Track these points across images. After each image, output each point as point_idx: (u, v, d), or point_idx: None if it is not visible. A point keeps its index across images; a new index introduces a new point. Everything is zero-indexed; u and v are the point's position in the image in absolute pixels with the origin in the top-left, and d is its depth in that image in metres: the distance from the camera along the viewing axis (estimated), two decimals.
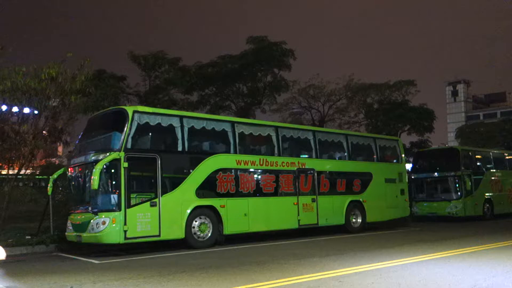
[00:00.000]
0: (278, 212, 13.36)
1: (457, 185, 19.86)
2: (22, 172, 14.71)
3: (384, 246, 11.21)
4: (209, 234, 11.77)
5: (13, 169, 14.65)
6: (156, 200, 10.92)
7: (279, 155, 13.83)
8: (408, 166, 22.19)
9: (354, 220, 15.46)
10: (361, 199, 15.64)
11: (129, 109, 11.23)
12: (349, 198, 15.32)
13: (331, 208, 14.73)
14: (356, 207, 15.51)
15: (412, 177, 20.98)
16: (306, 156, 14.88)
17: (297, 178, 13.97)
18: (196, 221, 11.59)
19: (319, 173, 14.63)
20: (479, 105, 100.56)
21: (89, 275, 7.81)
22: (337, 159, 16.08)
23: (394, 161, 17.77)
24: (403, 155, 18.18)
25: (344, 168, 15.62)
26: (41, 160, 16.63)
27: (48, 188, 12.28)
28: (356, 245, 11.55)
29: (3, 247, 11.30)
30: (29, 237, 12.17)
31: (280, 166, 13.66)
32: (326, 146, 15.53)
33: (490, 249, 10.01)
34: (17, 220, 13.63)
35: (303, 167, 14.25)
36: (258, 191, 13.05)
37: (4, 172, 15.05)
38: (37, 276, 7.94)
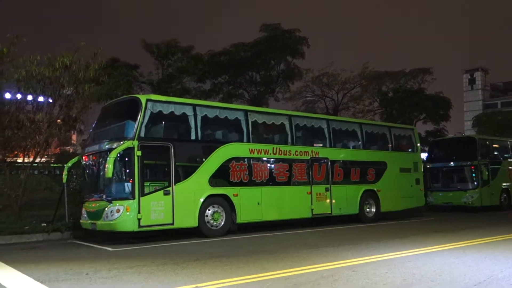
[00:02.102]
0: (291, 201, 13.39)
1: (473, 175, 19.67)
2: (37, 160, 14.96)
3: (398, 236, 11.19)
4: (222, 223, 11.86)
5: (29, 157, 14.89)
6: (170, 188, 11.01)
7: (292, 144, 13.83)
8: (424, 156, 22.04)
9: (368, 209, 15.44)
10: (375, 189, 15.60)
11: (142, 98, 11.29)
12: (363, 188, 15.28)
13: (345, 198, 14.72)
14: (370, 196, 15.47)
15: (428, 166, 20.83)
16: (320, 145, 14.85)
17: (311, 167, 13.97)
18: (209, 210, 11.68)
19: (333, 162, 14.60)
20: (497, 93, 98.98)
21: (104, 262, 7.94)
22: (351, 148, 16.02)
23: (409, 150, 17.65)
24: (418, 144, 18.03)
25: (358, 157, 15.56)
26: (55, 148, 16.87)
27: (63, 176, 12.47)
28: (370, 235, 11.54)
29: (19, 233, 11.61)
30: (45, 224, 12.39)
31: (293, 155, 13.66)
32: (340, 135, 15.48)
33: (507, 239, 9.93)
34: (32, 208, 13.88)
35: (317, 156, 14.23)
36: (271, 180, 13.08)
37: (19, 160, 15.32)
38: (52, 263, 8.09)
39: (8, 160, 14.83)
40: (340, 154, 15.13)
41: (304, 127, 14.52)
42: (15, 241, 11.60)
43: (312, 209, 13.77)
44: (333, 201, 14.30)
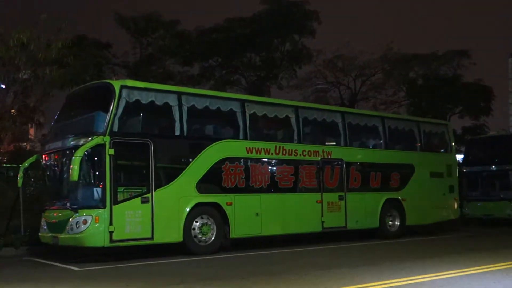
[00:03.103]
0: (298, 212, 13.40)
1: None
2: None
3: (427, 255, 11.19)
4: (213, 238, 11.86)
5: None
6: (149, 195, 11.00)
7: (299, 142, 13.82)
8: (459, 157, 22.04)
9: (390, 222, 15.46)
10: (399, 197, 15.61)
11: (116, 84, 11.27)
12: (385, 196, 15.29)
13: (363, 208, 14.73)
14: (393, 206, 15.48)
15: (464, 170, 20.84)
16: (333, 143, 14.86)
17: (321, 170, 13.97)
18: (196, 222, 11.68)
19: (349, 164, 14.60)
20: None
21: (68, 285, 7.94)
22: (371, 147, 16.04)
23: (442, 150, 17.67)
24: (453, 144, 18.06)
25: (379, 159, 15.57)
26: (9, 145, 16.80)
27: (18, 179, 12.43)
28: (394, 253, 11.53)
29: None
30: None
31: (300, 155, 13.66)
32: (357, 132, 15.49)
33: None
34: None
35: (329, 157, 14.23)
36: (273, 186, 13.08)
37: None
38: (4, 285, 8.07)
39: None
40: (358, 155, 15.13)
41: (314, 121, 14.52)
42: None
43: (322, 222, 13.77)
44: (348, 212, 14.30)
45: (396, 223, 15.54)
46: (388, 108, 32.14)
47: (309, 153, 13.85)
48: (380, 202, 15.16)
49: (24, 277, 9.11)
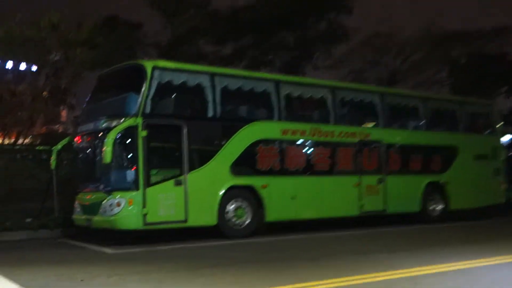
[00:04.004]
0: (334, 196, 13.39)
1: None
2: (20, 141, 15.31)
3: (471, 240, 11.07)
4: (247, 221, 11.96)
5: (9, 138, 15.27)
6: (182, 177, 11.14)
7: (336, 123, 13.76)
8: (506, 139, 21.58)
9: (432, 207, 15.29)
10: (442, 181, 15.42)
11: (148, 65, 11.38)
12: (427, 179, 15.13)
13: (403, 192, 14.61)
14: (435, 190, 15.31)
15: (511, 153, 20.41)
16: (372, 125, 14.74)
17: (359, 152, 13.90)
18: (231, 205, 11.78)
19: (388, 146, 14.48)
20: None
21: (102, 267, 8.13)
22: (411, 129, 15.83)
23: (487, 132, 17.33)
24: (499, 125, 17.68)
25: (420, 141, 15.38)
26: (41, 127, 17.23)
27: (51, 161, 12.73)
28: (435, 239, 11.44)
29: (1, 230, 11.97)
30: (30, 220, 12.77)
31: (337, 137, 13.60)
32: (397, 112, 15.35)
33: None
34: (14, 200, 14.24)
35: (367, 139, 14.14)
36: (309, 169, 13.08)
37: None
38: (40, 266, 8.34)
39: None
40: (397, 137, 14.97)
41: (351, 102, 14.42)
42: None
43: (360, 206, 13.73)
44: (388, 195, 14.22)
45: (438, 207, 15.38)
46: (430, 88, 31.58)
47: (347, 134, 13.78)
48: (422, 185, 15.01)
49: (59, 259, 9.37)
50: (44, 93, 14.68)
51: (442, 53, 31.11)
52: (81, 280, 6.95)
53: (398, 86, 30.12)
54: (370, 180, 13.98)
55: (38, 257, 9.72)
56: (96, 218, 11.09)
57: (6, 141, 15.37)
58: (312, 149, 13.30)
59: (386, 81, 30.48)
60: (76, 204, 12.03)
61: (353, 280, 6.70)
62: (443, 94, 25.06)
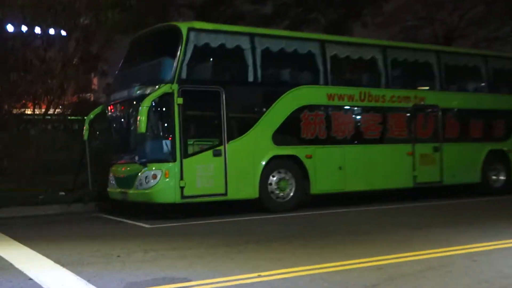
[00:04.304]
0: (385, 166, 13.28)
1: None
2: (51, 111, 15.64)
3: None
4: (291, 194, 11.99)
5: (40, 108, 15.61)
6: (221, 148, 11.20)
7: (387, 86, 13.56)
8: None
9: (494, 177, 15.04)
10: (505, 148, 15.11)
11: (183, 26, 11.36)
12: (488, 147, 14.85)
13: (462, 161, 14.38)
14: (497, 159, 15.02)
15: None
16: (427, 87, 14.49)
17: (413, 118, 13.71)
18: (273, 176, 11.81)
19: (445, 111, 14.23)
20: None
21: (139, 242, 8.29)
22: (471, 91, 15.47)
23: None
24: None
25: (481, 105, 15.04)
26: (72, 96, 17.51)
27: (84, 131, 12.98)
28: (498, 212, 11.26)
29: (32, 204, 12.34)
30: (63, 193, 13.13)
31: (388, 101, 13.42)
32: (455, 74, 15.05)
33: None
34: (47, 172, 14.63)
35: (422, 103, 13.92)
36: (357, 137, 12.99)
37: (29, 112, 16.08)
38: (75, 242, 8.56)
39: (15, 111, 15.62)
40: (455, 100, 14.70)
41: (404, 62, 14.16)
42: (27, 213, 12.40)
43: (414, 176, 13.59)
44: (445, 165, 14.02)
45: (501, 177, 15.09)
46: (491, 45, 30.72)
47: (399, 99, 13.57)
48: (482, 154, 14.72)
49: (93, 234, 9.60)
50: (75, 59, 14.87)
51: (505, 5, 30.10)
52: (118, 256, 7.09)
53: (455, 44, 29.42)
54: (425, 148, 13.79)
55: (72, 232, 9.99)
56: (132, 191, 11.28)
57: (37, 111, 15.70)
58: (361, 115, 13.20)
59: (442, 39, 29.81)
60: (111, 176, 12.26)
61: (405, 257, 6.64)
62: (507, 52, 24.30)
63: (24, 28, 14.38)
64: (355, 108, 13.14)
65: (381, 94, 13.36)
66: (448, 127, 14.26)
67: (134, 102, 11.40)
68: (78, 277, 5.81)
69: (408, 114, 13.68)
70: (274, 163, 11.81)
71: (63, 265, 6.57)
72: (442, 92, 14.46)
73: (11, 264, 6.69)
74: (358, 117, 13.18)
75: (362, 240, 8.05)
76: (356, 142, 12.97)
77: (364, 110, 13.19)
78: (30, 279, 5.80)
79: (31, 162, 14.07)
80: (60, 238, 9.05)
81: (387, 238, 8.17)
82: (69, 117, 17.92)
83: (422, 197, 14.03)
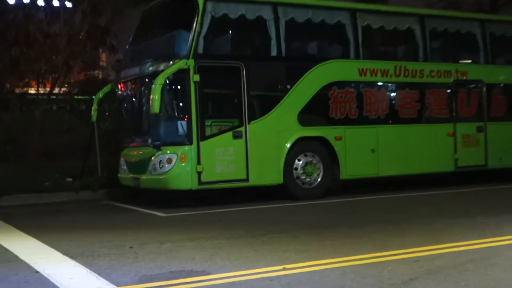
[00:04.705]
0: (423, 148, 13.21)
1: None
2: (56, 90, 15.76)
3: None
4: (319, 179, 11.99)
5: (44, 86, 15.74)
6: (241, 129, 11.22)
7: (426, 60, 13.45)
8: None
9: None
10: None
11: None
12: None
13: (509, 142, 14.24)
14: None
15: None
16: (469, 61, 14.32)
17: (454, 95, 13.61)
18: (299, 160, 11.81)
19: (490, 87, 14.11)
20: None
21: (153, 232, 8.35)
22: None
23: None
24: None
25: None
26: (79, 73, 17.59)
27: (92, 112, 13.06)
28: None
29: (38, 192, 12.49)
30: (71, 179, 13.27)
31: (427, 77, 13.32)
32: (502, 45, 14.90)
33: None
34: (53, 157, 14.78)
35: (465, 78, 13.79)
36: (392, 116, 12.93)
37: (32, 91, 16.22)
38: (84, 232, 8.66)
39: (18, 91, 15.77)
40: (502, 75, 14.57)
41: (445, 33, 13.99)
42: (32, 201, 12.59)
43: (455, 160, 13.51)
44: (490, 147, 13.92)
45: None
46: None
47: (439, 73, 13.44)
48: None
49: (104, 223, 9.72)
50: (81, 34, 14.94)
51: None
52: (130, 247, 7.17)
53: (501, 12, 28.96)
54: (467, 128, 13.69)
55: (80, 221, 10.11)
56: (144, 177, 11.37)
57: (41, 90, 15.84)
58: (396, 92, 13.14)
59: (486, 7, 29.38)
60: (122, 161, 12.36)
61: (446, 248, 6.61)
62: None
63: (26, 0, 14.49)
64: (390, 85, 13.06)
65: (419, 69, 13.25)
66: (493, 105, 14.12)
67: (147, 80, 11.45)
68: (88, 270, 5.89)
69: (449, 91, 13.57)
70: (300, 146, 11.80)
71: (71, 257, 6.66)
72: (487, 65, 14.30)
73: (16, 256, 6.79)
74: (393, 94, 13.11)
75: (397, 230, 8.03)
76: (390, 122, 12.91)
77: (400, 86, 13.11)
78: (37, 272, 5.89)
79: (35, 146, 14.21)
80: (68, 228, 9.16)
81: (425, 227, 8.13)
82: (75, 97, 18.01)
83: (464, 182, 13.91)
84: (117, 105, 13.15)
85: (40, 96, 15.67)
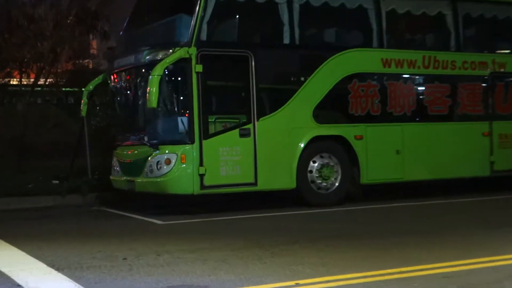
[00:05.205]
0: (455, 149, 13.14)
1: None
2: (41, 82, 15.76)
3: None
4: (336, 184, 11.96)
5: (28, 77, 15.75)
6: (249, 126, 11.20)
7: (458, 50, 13.41)
8: None
9: None
10: None
11: None
12: None
13: None
14: None
15: None
16: (508, 51, 14.25)
17: (491, 90, 13.59)
18: (314, 162, 11.78)
19: None
20: None
21: (149, 242, 8.33)
22: None
23: None
24: None
25: None
26: (67, 62, 17.57)
27: (82, 106, 13.07)
28: None
29: (20, 195, 12.49)
30: (57, 181, 13.25)
31: (459, 69, 13.28)
32: None
33: None
34: (37, 156, 14.79)
35: (502, 70, 13.75)
36: (420, 113, 12.91)
37: (15, 82, 16.23)
38: (72, 241, 8.63)
39: None
40: None
41: (480, 19, 13.95)
42: (14, 206, 12.58)
43: (491, 163, 13.46)
44: None
45: None
46: None
47: (473, 65, 13.40)
48: None
49: (96, 231, 9.72)
50: (70, 18, 14.94)
51: None
52: (124, 259, 7.15)
53: None
54: (505, 127, 13.65)
55: (68, 229, 10.09)
56: (140, 180, 11.35)
57: (24, 81, 15.85)
58: (424, 86, 13.12)
59: None
60: (114, 161, 12.35)
61: (480, 262, 6.57)
62: None
63: None
64: (417, 77, 13.05)
65: (450, 60, 13.20)
66: None
67: (143, 70, 11.44)
68: (76, 284, 5.86)
69: (484, 85, 13.52)
70: (316, 146, 11.78)
71: (57, 269, 6.63)
72: None
73: None
74: (421, 88, 13.09)
75: (425, 241, 7.98)
76: (418, 119, 12.88)
77: (429, 79, 13.07)
78: (19, 285, 5.88)
79: (17, 143, 14.21)
80: (54, 236, 9.13)
81: (457, 239, 8.10)
82: (63, 89, 18.00)
83: (501, 189, 13.83)
84: (110, 98, 13.14)
85: (23, 88, 15.66)
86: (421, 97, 13.00)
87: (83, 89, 13.36)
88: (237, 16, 11.92)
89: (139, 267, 6.70)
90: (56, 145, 14.76)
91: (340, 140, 12.02)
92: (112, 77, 12.69)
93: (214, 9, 11.16)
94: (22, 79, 15.65)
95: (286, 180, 11.50)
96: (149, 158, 11.10)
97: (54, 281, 6.10)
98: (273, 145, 11.38)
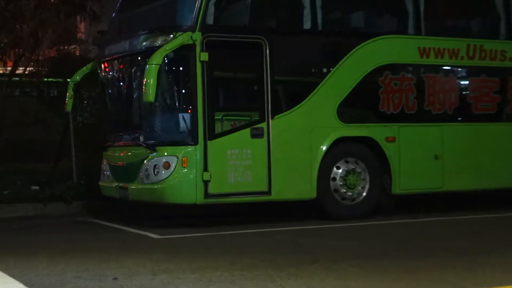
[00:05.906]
0: (504, 154, 13.17)
1: None
2: (20, 70, 15.81)
3: None
4: (364, 193, 11.97)
5: (5, 65, 15.80)
6: (263, 125, 11.21)
7: (509, 38, 13.38)
8: None
9: None
10: None
11: None
12: None
13: None
14: None
15: None
16: None
17: None
18: (338, 168, 11.80)
19: None
20: None
21: (144, 259, 8.34)
22: None
23: None
24: None
25: None
26: (50, 48, 17.60)
27: (67, 99, 13.09)
28: None
29: None
30: (37, 187, 13.28)
31: (510, 60, 13.25)
32: None
33: None
34: (15, 158, 14.84)
35: None
36: (463, 112, 12.93)
37: None
38: (54, 257, 8.66)
39: None
40: None
41: None
42: None
43: None
44: None
45: None
46: None
47: None
48: None
49: (82, 246, 9.72)
50: None
51: None
52: (114, 279, 7.17)
53: None
54: None
55: (49, 242, 10.11)
56: (134, 187, 11.39)
57: (0, 70, 15.91)
58: (468, 79, 13.15)
59: None
60: (104, 164, 12.39)
61: None
62: None
63: None
64: (460, 69, 13.08)
65: (500, 49, 13.20)
66: None
67: (139, 58, 11.49)
68: None
69: None
70: (340, 149, 11.80)
71: None
72: None
73: None
74: (465, 82, 13.12)
75: (469, 262, 7.97)
76: (460, 119, 12.91)
77: (474, 72, 13.09)
78: None
79: None
80: (33, 251, 9.16)
81: (504, 260, 8.08)
82: (45, 79, 18.02)
83: None
84: (100, 91, 13.18)
85: None
86: (464, 93, 13.01)
87: (68, 79, 13.38)
88: None
89: None
90: (37, 145, 14.79)
91: (368, 142, 12.04)
92: (102, 66, 12.70)
93: None
94: None
95: (305, 189, 11.52)
96: (145, 161, 11.14)
97: None
98: (290, 148, 11.40)
